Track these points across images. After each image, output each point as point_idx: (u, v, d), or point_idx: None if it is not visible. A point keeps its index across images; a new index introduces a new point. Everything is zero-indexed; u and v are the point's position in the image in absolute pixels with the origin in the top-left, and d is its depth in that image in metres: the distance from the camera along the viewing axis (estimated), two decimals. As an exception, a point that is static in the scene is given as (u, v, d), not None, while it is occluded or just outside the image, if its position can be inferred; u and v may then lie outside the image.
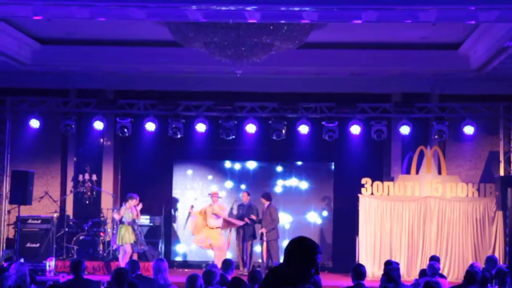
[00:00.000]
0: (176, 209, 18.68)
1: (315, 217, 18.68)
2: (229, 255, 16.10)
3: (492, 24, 13.71)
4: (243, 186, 18.61)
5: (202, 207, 16.98)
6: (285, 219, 18.40)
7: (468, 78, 17.04)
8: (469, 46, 15.85)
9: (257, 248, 17.38)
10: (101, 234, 17.33)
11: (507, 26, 13.42)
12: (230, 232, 17.09)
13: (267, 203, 16.88)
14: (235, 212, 17.41)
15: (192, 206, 17.00)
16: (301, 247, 4.54)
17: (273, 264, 15.56)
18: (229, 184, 18.84)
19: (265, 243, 16.66)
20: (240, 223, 16.85)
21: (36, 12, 12.19)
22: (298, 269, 4.52)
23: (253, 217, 16.91)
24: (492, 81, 16.94)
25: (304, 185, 18.71)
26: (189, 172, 18.87)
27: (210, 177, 18.80)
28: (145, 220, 17.48)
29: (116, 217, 16.27)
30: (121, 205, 16.56)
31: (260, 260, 17.08)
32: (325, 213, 18.65)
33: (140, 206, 16.20)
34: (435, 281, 8.95)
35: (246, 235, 16.98)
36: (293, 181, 18.75)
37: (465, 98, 17.59)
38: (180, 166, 18.94)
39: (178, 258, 18.59)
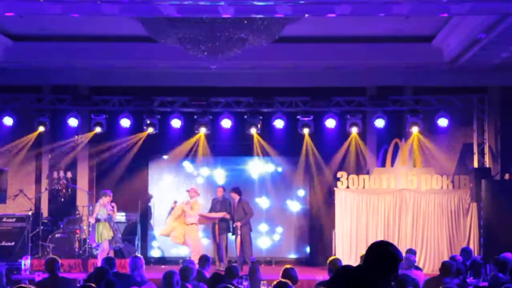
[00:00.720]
0: (151, 206, 18.65)
1: (292, 209, 18.72)
2: (204, 251, 16.03)
3: (464, 16, 13.79)
4: (219, 176, 18.59)
5: (182, 203, 16.83)
6: (262, 204, 18.51)
7: (441, 71, 17.13)
8: (442, 39, 15.94)
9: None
10: (77, 231, 17.21)
11: (479, 18, 13.50)
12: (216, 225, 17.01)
13: (237, 197, 16.85)
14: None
15: (175, 202, 16.88)
16: (384, 252, 4.47)
17: (250, 259, 15.52)
18: (204, 179, 18.80)
19: (239, 237, 16.66)
20: (217, 216, 16.83)
21: (7, 8, 12.09)
22: (377, 274, 4.44)
23: (227, 216, 16.88)
24: (465, 73, 17.03)
25: (279, 179, 18.71)
26: (165, 166, 18.81)
27: (185, 166, 18.73)
28: (121, 217, 17.43)
29: (91, 220, 16.21)
30: (96, 202, 16.47)
31: (235, 254, 17.07)
32: (302, 201, 18.70)
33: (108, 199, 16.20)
34: (405, 274, 8.99)
35: (220, 230, 16.97)
36: (269, 171, 18.75)
37: (439, 90, 17.69)
38: (155, 162, 18.88)
39: (155, 255, 18.55)
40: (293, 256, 18.59)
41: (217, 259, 16.70)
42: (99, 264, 15.35)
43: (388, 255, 4.48)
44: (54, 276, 9.69)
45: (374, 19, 14.14)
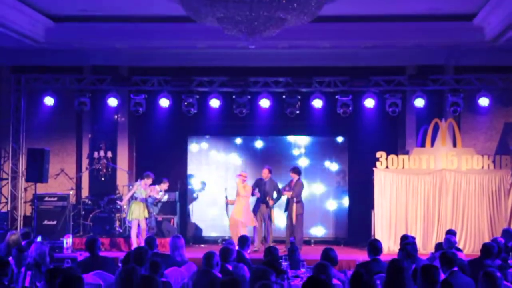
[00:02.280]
0: (191, 185, 18.79)
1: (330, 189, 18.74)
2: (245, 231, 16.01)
3: (506, -5, 13.59)
4: (257, 154, 18.68)
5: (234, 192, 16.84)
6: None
7: (482, 50, 16.92)
8: (483, 17, 15.71)
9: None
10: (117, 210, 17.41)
11: (522, -4, 13.30)
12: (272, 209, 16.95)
13: (296, 177, 16.54)
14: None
15: (226, 197, 16.87)
16: None
17: (290, 239, 15.49)
18: (243, 160, 18.85)
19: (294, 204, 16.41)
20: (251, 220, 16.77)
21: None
22: None
23: (271, 202, 16.75)
24: (507, 52, 16.82)
25: (319, 160, 18.70)
26: (204, 146, 18.95)
27: (224, 145, 18.98)
28: (164, 196, 17.53)
29: (119, 202, 16.59)
30: (136, 181, 16.65)
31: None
32: (341, 180, 18.77)
33: (165, 187, 16.50)
34: (452, 251, 8.94)
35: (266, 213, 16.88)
36: (307, 156, 18.74)
37: (480, 69, 17.48)
38: (194, 142, 18.99)
39: (194, 234, 18.65)
40: (331, 235, 18.61)
41: (258, 240, 16.62)
42: (133, 242, 15.57)
43: None
44: (95, 256, 9.82)
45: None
